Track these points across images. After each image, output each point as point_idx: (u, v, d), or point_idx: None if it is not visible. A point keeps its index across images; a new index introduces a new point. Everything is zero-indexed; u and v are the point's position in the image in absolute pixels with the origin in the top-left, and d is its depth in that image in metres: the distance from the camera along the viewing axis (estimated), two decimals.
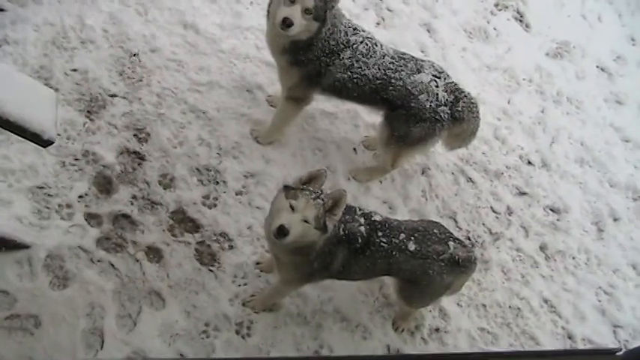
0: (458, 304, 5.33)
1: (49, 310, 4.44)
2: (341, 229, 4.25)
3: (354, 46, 5.00)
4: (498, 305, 5.45)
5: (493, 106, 6.51)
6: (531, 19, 7.34)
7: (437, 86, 5.11)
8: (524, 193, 6.12)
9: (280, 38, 4.86)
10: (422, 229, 4.53)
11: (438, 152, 5.86)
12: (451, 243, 4.52)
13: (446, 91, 5.13)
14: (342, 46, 4.97)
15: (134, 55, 5.62)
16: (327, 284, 4.96)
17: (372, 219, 4.41)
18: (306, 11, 4.66)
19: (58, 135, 4.94)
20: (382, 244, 4.36)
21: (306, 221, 3.91)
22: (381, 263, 4.43)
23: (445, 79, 5.18)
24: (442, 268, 4.47)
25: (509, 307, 5.48)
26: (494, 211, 5.92)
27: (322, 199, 3.95)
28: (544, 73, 6.98)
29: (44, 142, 3.41)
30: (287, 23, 4.62)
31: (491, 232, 5.80)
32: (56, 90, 5.15)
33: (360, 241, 4.31)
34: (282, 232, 3.87)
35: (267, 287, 4.87)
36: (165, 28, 5.83)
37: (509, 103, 6.62)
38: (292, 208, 3.91)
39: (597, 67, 7.36)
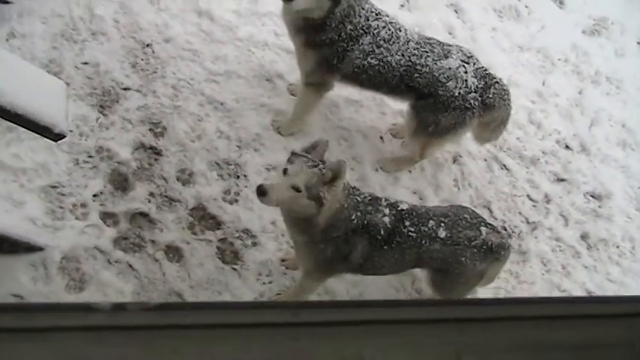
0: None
1: None
2: (357, 219, 4.23)
3: (376, 31, 4.95)
4: None
5: (527, 88, 6.45)
6: None
7: (466, 72, 5.05)
8: (562, 180, 6.06)
9: (292, 14, 4.84)
10: (452, 214, 4.50)
11: (470, 139, 5.80)
12: (483, 228, 4.48)
13: (475, 77, 5.07)
14: (362, 32, 4.92)
15: (147, 45, 5.62)
16: (357, 280, 4.95)
17: (399, 208, 4.38)
18: None
19: (71, 131, 4.95)
20: (410, 233, 4.34)
21: (295, 188, 3.89)
22: (411, 253, 4.40)
23: (474, 64, 5.12)
24: (475, 255, 4.43)
25: None
26: (531, 200, 5.87)
27: (320, 169, 3.92)
28: (580, 51, 6.89)
29: (55, 136, 3.42)
30: None
31: (528, 222, 5.75)
32: (67, 85, 5.13)
33: (382, 232, 4.28)
34: (260, 191, 3.88)
35: (293, 285, 4.85)
36: (178, 16, 5.83)
37: (544, 84, 6.55)
38: (284, 172, 3.93)
39: (638, 43, 7.26)
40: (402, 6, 6.59)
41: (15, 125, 3.56)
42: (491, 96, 5.09)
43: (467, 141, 5.76)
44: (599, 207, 6.01)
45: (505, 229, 5.61)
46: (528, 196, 5.88)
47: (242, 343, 1.85)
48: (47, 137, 3.42)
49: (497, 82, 5.15)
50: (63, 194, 4.83)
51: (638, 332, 2.09)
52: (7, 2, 5.39)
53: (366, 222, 4.26)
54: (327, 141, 4.12)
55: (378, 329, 1.94)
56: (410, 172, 5.64)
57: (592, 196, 6.06)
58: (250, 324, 1.88)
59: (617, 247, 5.87)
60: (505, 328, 2.02)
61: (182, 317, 1.87)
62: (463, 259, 4.43)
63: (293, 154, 4.02)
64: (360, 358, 1.88)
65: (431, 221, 4.40)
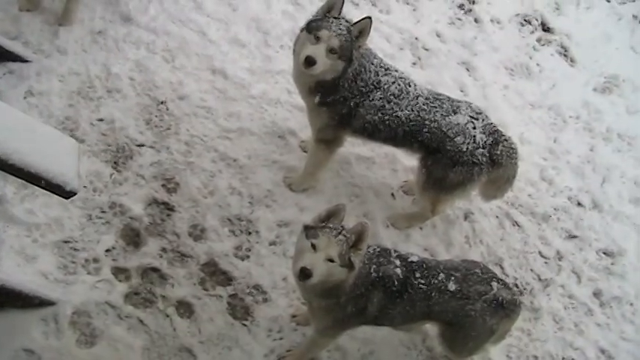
0: (507, 356, 5.26)
1: None
2: (374, 271, 4.28)
3: (385, 86, 5.05)
4: (551, 356, 5.36)
5: (538, 145, 6.47)
6: (576, 53, 7.30)
7: (474, 128, 5.11)
8: (574, 237, 6.05)
9: (305, 77, 4.93)
10: (462, 268, 4.54)
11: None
12: (494, 283, 4.51)
13: (484, 133, 5.13)
14: (372, 87, 5.02)
15: (161, 102, 5.72)
16: (368, 337, 4.95)
17: (409, 260, 4.43)
18: (331, 51, 4.74)
19: (84, 187, 5.04)
20: (421, 285, 4.37)
21: (330, 260, 3.95)
22: (421, 306, 4.43)
23: (483, 120, 5.18)
24: (485, 310, 4.45)
25: (563, 358, 5.39)
26: (542, 257, 5.86)
27: (344, 235, 3.99)
28: (592, 109, 6.91)
29: (67, 194, 3.47)
30: (310, 62, 4.71)
31: (540, 279, 5.73)
32: (82, 141, 5.26)
33: (396, 283, 4.32)
34: (305, 274, 3.92)
35: (304, 341, 4.85)
36: (193, 74, 5.94)
37: (555, 142, 6.57)
38: (314, 247, 3.96)
39: None
40: (414, 64, 6.67)
41: None
42: (499, 153, 5.13)
43: (478, 198, 5.77)
44: (612, 264, 5.97)
45: (517, 286, 5.59)
46: (540, 253, 5.87)
47: None
48: (59, 195, 3.47)
49: (505, 140, 5.19)
50: (75, 249, 4.89)
51: None
52: (26, 61, 5.51)
53: (381, 274, 4.32)
54: (344, 205, 4.16)
55: None
56: (421, 228, 5.66)
57: (604, 254, 6.03)
58: None
59: (631, 304, 5.81)
60: None
61: None
62: (473, 313, 4.44)
63: (310, 227, 4.06)
64: None
65: (441, 274, 4.44)
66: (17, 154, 3.21)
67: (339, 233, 3.99)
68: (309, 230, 4.04)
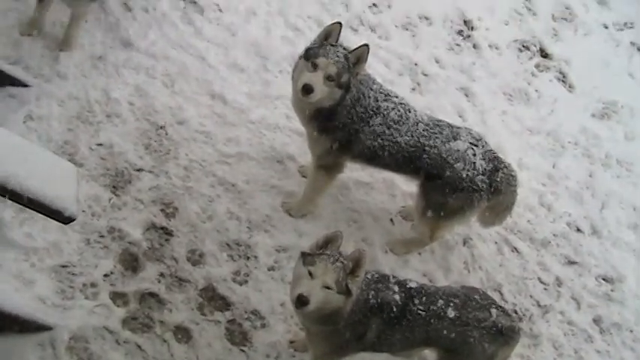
0: None
1: None
2: (372, 297, 4.28)
3: (385, 112, 5.07)
4: None
5: (537, 171, 6.48)
6: (575, 79, 7.32)
7: (474, 154, 5.13)
8: (573, 263, 6.04)
9: (304, 104, 4.96)
10: (462, 295, 4.53)
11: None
12: (493, 310, 4.49)
13: (484, 160, 5.15)
14: (372, 113, 5.04)
15: (161, 127, 5.73)
16: None
17: (408, 286, 4.43)
18: (328, 78, 4.78)
19: (83, 211, 5.04)
20: (419, 311, 4.37)
21: (327, 287, 3.97)
22: (420, 332, 4.42)
23: (483, 146, 5.21)
24: (484, 337, 4.43)
25: None
26: (542, 283, 5.85)
27: (341, 262, 4.02)
28: (590, 135, 6.92)
29: (65, 219, 3.48)
30: (307, 90, 4.74)
31: (539, 305, 5.71)
32: (81, 165, 5.26)
33: (394, 309, 4.32)
34: (301, 301, 3.94)
35: None
36: (192, 99, 5.95)
37: (554, 167, 6.57)
38: (311, 274, 3.99)
39: None
40: (413, 89, 6.69)
41: None
42: (498, 180, 5.15)
43: (477, 224, 5.77)
44: (612, 290, 5.96)
45: (516, 312, 5.57)
46: (539, 279, 5.86)
47: None
48: (58, 220, 3.48)
49: (505, 167, 5.21)
50: (73, 274, 4.87)
51: None
52: (26, 86, 5.53)
53: (379, 300, 4.32)
54: (341, 232, 4.19)
55: None
56: (420, 254, 5.65)
57: (604, 280, 6.02)
58: None
59: (631, 331, 5.80)
60: None
61: None
62: (472, 340, 4.42)
63: (308, 254, 4.09)
64: None
65: (440, 300, 4.43)
66: (16, 179, 3.22)
67: (336, 260, 4.01)
68: (306, 257, 4.06)
